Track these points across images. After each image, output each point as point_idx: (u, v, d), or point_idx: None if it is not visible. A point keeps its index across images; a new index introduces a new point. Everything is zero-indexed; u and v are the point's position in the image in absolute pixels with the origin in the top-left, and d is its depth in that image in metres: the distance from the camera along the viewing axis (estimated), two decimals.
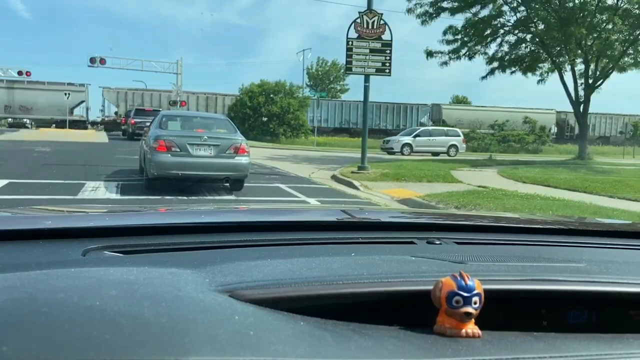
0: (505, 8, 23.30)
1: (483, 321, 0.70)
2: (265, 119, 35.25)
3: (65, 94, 38.92)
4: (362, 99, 16.04)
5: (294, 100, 36.46)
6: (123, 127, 33.29)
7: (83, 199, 8.61)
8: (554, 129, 45.82)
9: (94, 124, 42.84)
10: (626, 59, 23.39)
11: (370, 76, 15.14)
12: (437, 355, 0.64)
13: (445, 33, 23.36)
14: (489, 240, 1.28)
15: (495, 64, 24.30)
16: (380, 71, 15.11)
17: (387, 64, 15.04)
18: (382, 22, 14.88)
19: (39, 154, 16.89)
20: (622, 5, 21.56)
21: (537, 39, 23.43)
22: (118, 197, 9.04)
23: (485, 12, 22.99)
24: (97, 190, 9.52)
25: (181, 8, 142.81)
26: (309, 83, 58.89)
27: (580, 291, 0.82)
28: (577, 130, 43.01)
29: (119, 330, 0.56)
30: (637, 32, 22.17)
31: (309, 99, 38.71)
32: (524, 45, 24.45)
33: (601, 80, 23.81)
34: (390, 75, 15.29)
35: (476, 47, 23.88)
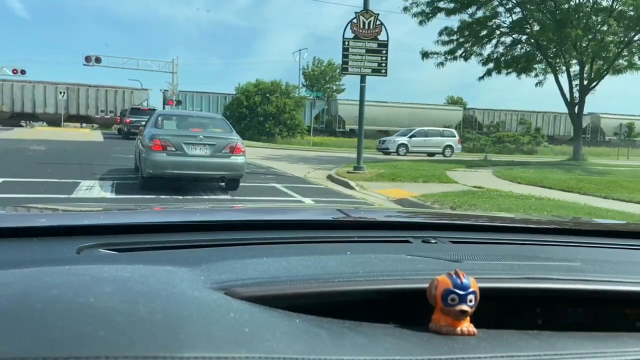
0: (501, 9, 23.39)
1: (478, 319, 0.70)
2: (261, 118, 35.23)
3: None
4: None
5: (290, 100, 36.46)
6: (118, 126, 33.21)
7: (78, 197, 8.58)
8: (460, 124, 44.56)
9: None
10: (620, 60, 23.49)
11: (367, 76, 15.17)
12: (432, 353, 0.64)
13: (441, 34, 23.44)
14: (485, 240, 1.28)
15: (491, 65, 24.38)
16: (376, 71, 15.13)
17: (384, 65, 15.07)
18: (378, 22, 14.91)
19: (34, 152, 16.83)
20: (617, 7, 21.67)
21: (533, 40, 23.51)
22: (113, 196, 9.01)
23: (481, 13, 23.07)
24: (91, 189, 9.48)
25: (179, 7, 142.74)
26: (305, 83, 58.84)
27: (576, 290, 0.83)
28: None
29: (114, 326, 0.56)
30: (632, 34, 22.28)
31: (304, 98, 38.68)
32: (519, 46, 24.54)
33: (596, 82, 23.91)
34: (386, 76, 15.32)
35: (472, 48, 23.95)
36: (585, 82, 23.77)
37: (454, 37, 23.40)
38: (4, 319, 0.57)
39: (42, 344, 0.52)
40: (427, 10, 22.41)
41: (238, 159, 9.59)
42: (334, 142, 36.08)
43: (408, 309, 0.76)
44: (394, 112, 41.26)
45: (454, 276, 0.71)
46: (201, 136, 9.44)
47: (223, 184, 10.21)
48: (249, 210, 2.05)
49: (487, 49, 24.36)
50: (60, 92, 39.83)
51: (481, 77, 24.96)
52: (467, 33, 23.23)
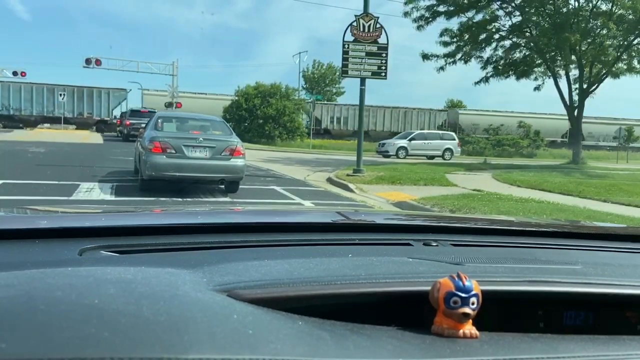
0: (500, 13, 23.41)
1: (481, 322, 0.71)
2: (261, 121, 35.07)
3: None
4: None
5: (289, 103, 36.46)
6: (118, 128, 33.16)
7: (77, 199, 8.57)
8: (307, 120, 42.79)
9: None
10: (620, 64, 23.50)
11: (366, 79, 15.20)
12: (435, 355, 0.64)
13: (441, 35, 23.46)
14: (486, 243, 1.28)
15: (490, 69, 24.40)
16: (376, 74, 15.16)
17: (383, 68, 15.10)
18: (378, 25, 14.94)
19: (33, 154, 16.81)
20: (616, 10, 21.68)
21: (532, 44, 23.52)
22: (113, 198, 9.01)
23: (480, 17, 23.11)
24: (91, 191, 9.47)
25: (180, 10, 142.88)
26: (305, 86, 58.90)
27: (577, 292, 0.83)
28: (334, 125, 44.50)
29: (118, 328, 0.56)
30: (631, 38, 22.29)
31: (304, 101, 38.68)
32: (518, 50, 24.55)
33: (595, 86, 23.92)
34: (386, 79, 15.35)
35: (471, 52, 23.96)
36: (585, 86, 23.78)
37: (454, 40, 23.42)
38: (8, 321, 0.57)
39: (46, 346, 0.52)
40: (427, 14, 22.44)
41: (238, 162, 9.59)
42: (333, 145, 36.07)
43: (410, 312, 0.76)
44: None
45: (457, 279, 0.71)
46: (201, 138, 9.45)
47: (223, 186, 10.21)
48: (249, 212, 2.05)
49: (487, 52, 24.40)
50: None
51: (477, 82, 24.94)
52: (466, 36, 23.25)
